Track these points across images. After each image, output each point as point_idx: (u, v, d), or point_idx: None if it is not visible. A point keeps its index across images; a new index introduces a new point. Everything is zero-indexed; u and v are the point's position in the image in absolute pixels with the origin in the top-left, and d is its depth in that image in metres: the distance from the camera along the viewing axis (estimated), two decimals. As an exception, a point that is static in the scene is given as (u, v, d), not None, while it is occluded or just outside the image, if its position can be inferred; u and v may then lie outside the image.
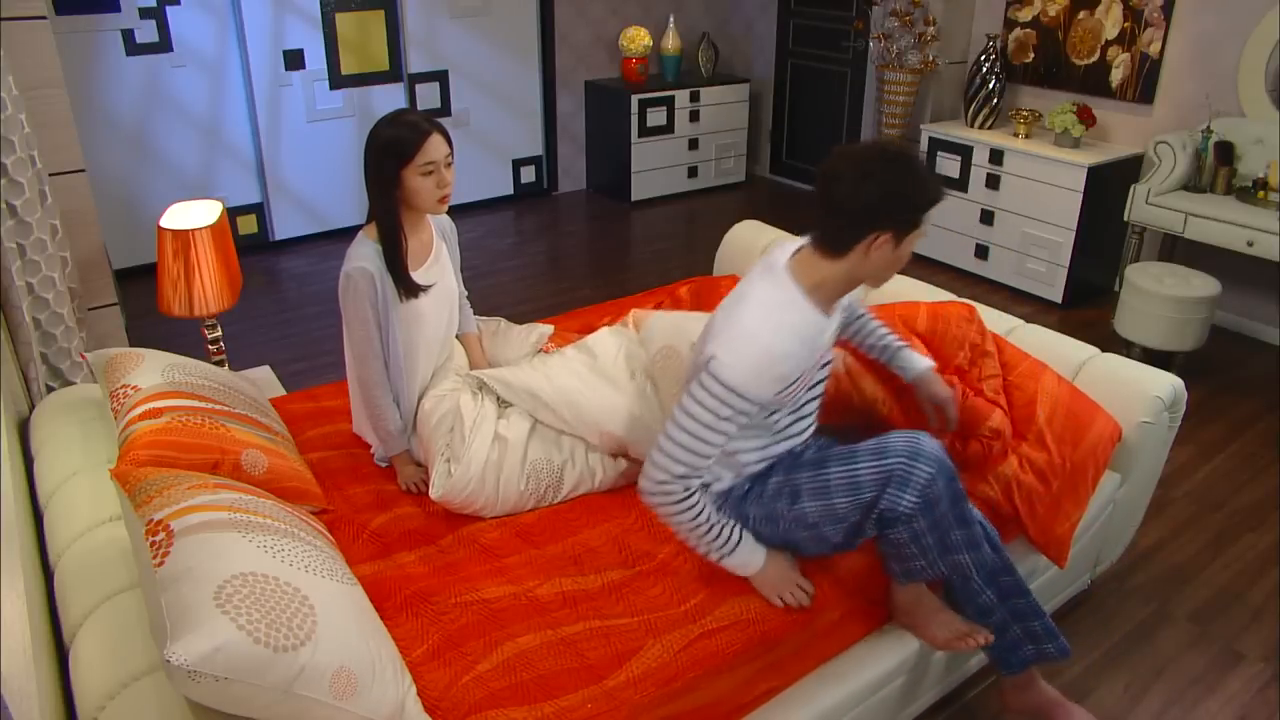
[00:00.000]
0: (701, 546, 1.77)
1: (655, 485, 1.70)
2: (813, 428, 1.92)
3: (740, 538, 1.78)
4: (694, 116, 5.98)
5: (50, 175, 2.56)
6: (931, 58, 4.77)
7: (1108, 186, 4.26)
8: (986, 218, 4.64)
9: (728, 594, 1.81)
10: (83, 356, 2.48)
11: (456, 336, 2.40)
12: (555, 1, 5.65)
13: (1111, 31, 4.41)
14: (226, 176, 4.86)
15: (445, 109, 5.43)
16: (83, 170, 2.69)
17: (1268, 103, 3.92)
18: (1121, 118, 4.47)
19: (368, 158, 2.04)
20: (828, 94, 5.96)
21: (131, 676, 1.40)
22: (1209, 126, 3.98)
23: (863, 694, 1.86)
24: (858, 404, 2.19)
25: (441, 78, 5.38)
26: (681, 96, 5.86)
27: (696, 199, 6.14)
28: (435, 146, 2.02)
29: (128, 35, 4.36)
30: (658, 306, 2.93)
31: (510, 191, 5.96)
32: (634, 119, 5.71)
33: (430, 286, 2.16)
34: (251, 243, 5.01)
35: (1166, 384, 2.26)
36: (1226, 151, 3.94)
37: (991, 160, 4.55)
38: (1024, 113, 4.52)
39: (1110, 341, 3.80)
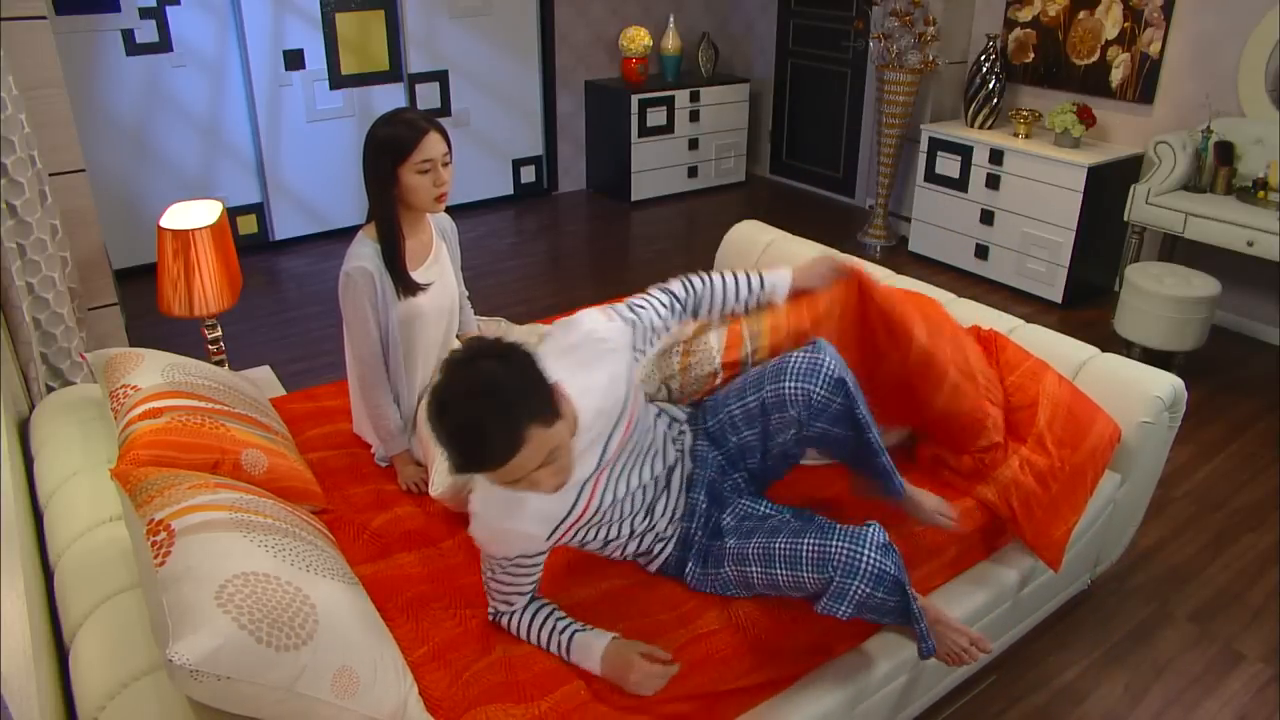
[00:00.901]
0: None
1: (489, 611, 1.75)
2: (657, 535, 1.84)
3: (569, 641, 1.67)
4: (694, 116, 5.98)
5: (50, 175, 2.56)
6: (931, 58, 4.76)
7: (1108, 186, 4.26)
8: (986, 218, 4.64)
9: (719, 601, 1.80)
10: (83, 356, 2.48)
11: (457, 336, 2.40)
12: (555, 1, 5.65)
13: (1111, 31, 4.41)
14: (226, 176, 4.86)
15: (445, 109, 5.43)
16: (83, 170, 2.69)
17: (1268, 103, 3.92)
18: (1121, 118, 4.47)
19: (366, 156, 2.05)
20: (828, 94, 5.96)
21: (131, 676, 1.39)
22: (1209, 126, 3.98)
23: (863, 694, 1.86)
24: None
25: (441, 78, 5.38)
26: (681, 96, 5.86)
27: (696, 199, 6.14)
28: (432, 145, 2.02)
29: (128, 35, 4.36)
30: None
31: (510, 191, 5.96)
32: (634, 119, 5.71)
33: (429, 285, 2.16)
34: (251, 243, 5.01)
35: (1166, 384, 2.26)
36: (1226, 151, 3.94)
37: (991, 160, 4.55)
38: (1024, 113, 4.52)
39: (1110, 341, 3.80)
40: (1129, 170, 4.32)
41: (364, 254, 2.07)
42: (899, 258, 5.06)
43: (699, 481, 1.88)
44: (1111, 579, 2.65)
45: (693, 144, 6.06)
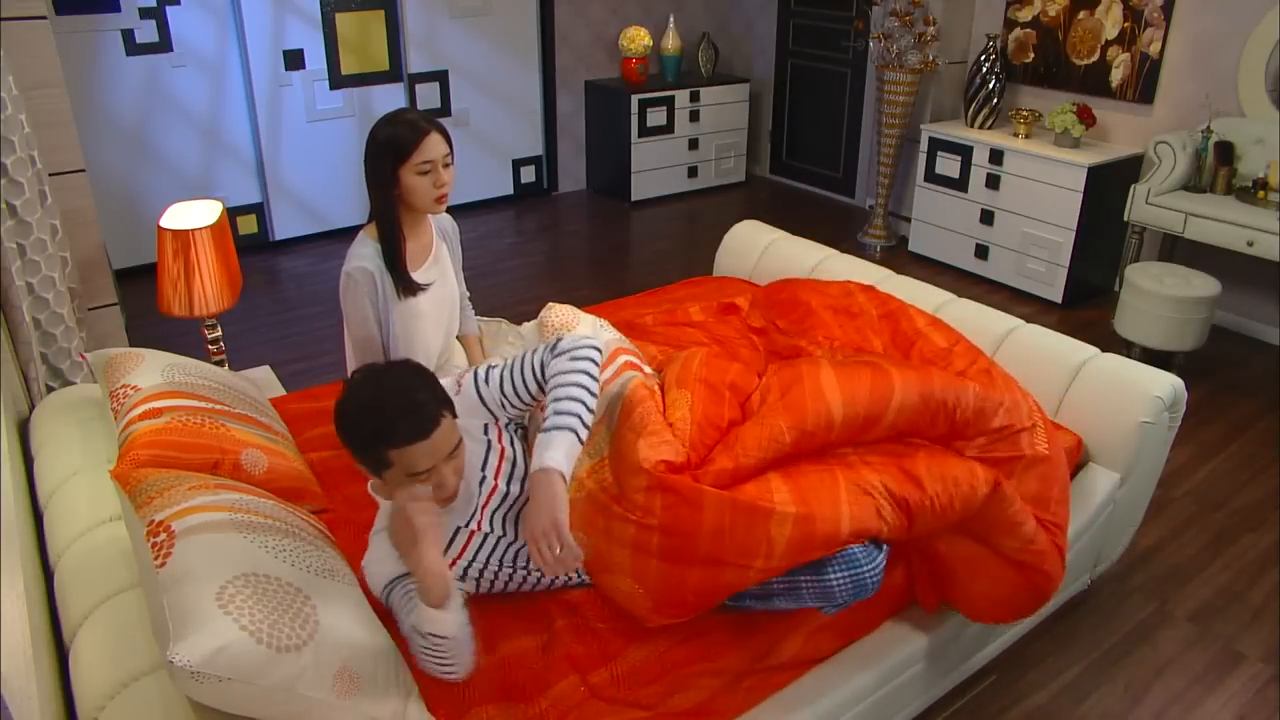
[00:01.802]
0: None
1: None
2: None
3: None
4: (694, 116, 5.98)
5: (50, 175, 2.56)
6: (931, 58, 4.76)
7: (1108, 186, 4.26)
8: (986, 218, 4.64)
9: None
10: (83, 356, 2.48)
11: (457, 337, 2.40)
12: (555, 1, 5.65)
13: (1111, 31, 4.41)
14: (226, 176, 4.86)
15: (445, 109, 5.43)
16: (83, 170, 2.69)
17: (1268, 103, 3.92)
18: (1121, 118, 4.47)
19: (367, 156, 2.05)
20: (828, 94, 5.96)
21: (131, 676, 1.39)
22: (1209, 126, 3.98)
23: (863, 693, 1.86)
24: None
25: (441, 78, 5.38)
26: (681, 96, 5.86)
27: (696, 199, 6.14)
28: (433, 146, 2.02)
29: (128, 35, 4.36)
30: (658, 307, 2.93)
31: (510, 191, 5.96)
32: (634, 119, 5.71)
33: (429, 285, 2.16)
34: (251, 243, 5.01)
35: (1166, 384, 2.26)
36: (1226, 151, 3.94)
37: (991, 160, 4.55)
38: (1024, 113, 4.52)
39: (1110, 341, 3.80)
40: (1129, 170, 4.32)
41: (365, 254, 2.07)
42: (899, 258, 5.06)
43: None
44: (1111, 579, 2.65)
45: (693, 144, 6.06)
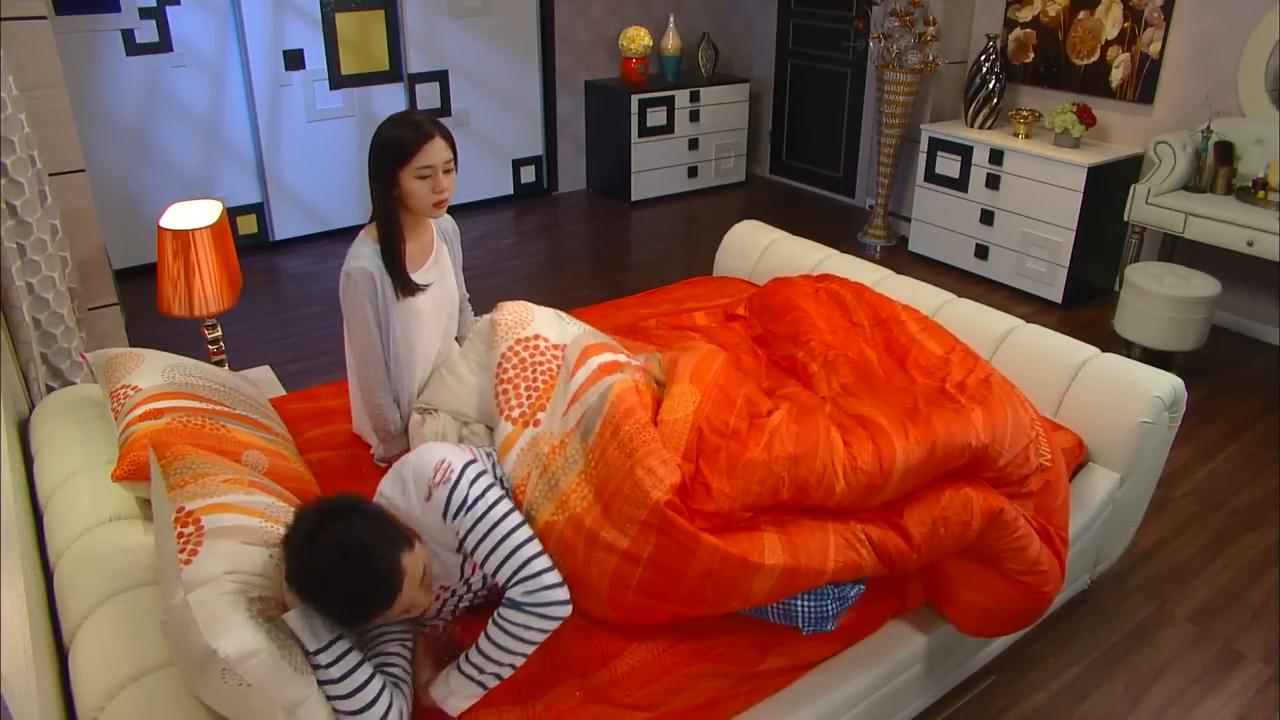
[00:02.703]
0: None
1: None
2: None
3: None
4: (694, 116, 5.98)
5: (50, 175, 2.56)
6: (931, 58, 4.76)
7: (1108, 186, 4.26)
8: (986, 218, 4.64)
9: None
10: (83, 356, 2.48)
11: (456, 338, 2.40)
12: (555, 1, 5.65)
13: (1111, 31, 4.41)
14: (226, 176, 4.86)
15: (445, 109, 5.43)
16: (83, 170, 2.69)
17: (1268, 103, 3.92)
18: (1121, 118, 4.47)
19: (370, 155, 2.05)
20: (828, 94, 5.96)
21: (131, 676, 1.40)
22: (1209, 126, 3.98)
23: (862, 694, 1.86)
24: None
25: (441, 78, 5.38)
26: (681, 96, 5.86)
27: (696, 199, 6.14)
28: (434, 151, 2.01)
29: (128, 35, 4.36)
30: (658, 307, 2.93)
31: (510, 191, 5.96)
32: (634, 119, 5.71)
33: (428, 286, 2.16)
34: (251, 243, 5.01)
35: (1166, 384, 2.26)
36: (1226, 151, 3.94)
37: (991, 160, 4.55)
38: (1024, 113, 4.52)
39: (1110, 341, 3.80)
40: (1129, 170, 4.32)
41: (364, 254, 2.07)
42: (899, 258, 5.06)
43: None
44: (1111, 579, 2.65)
45: (693, 144, 6.06)
